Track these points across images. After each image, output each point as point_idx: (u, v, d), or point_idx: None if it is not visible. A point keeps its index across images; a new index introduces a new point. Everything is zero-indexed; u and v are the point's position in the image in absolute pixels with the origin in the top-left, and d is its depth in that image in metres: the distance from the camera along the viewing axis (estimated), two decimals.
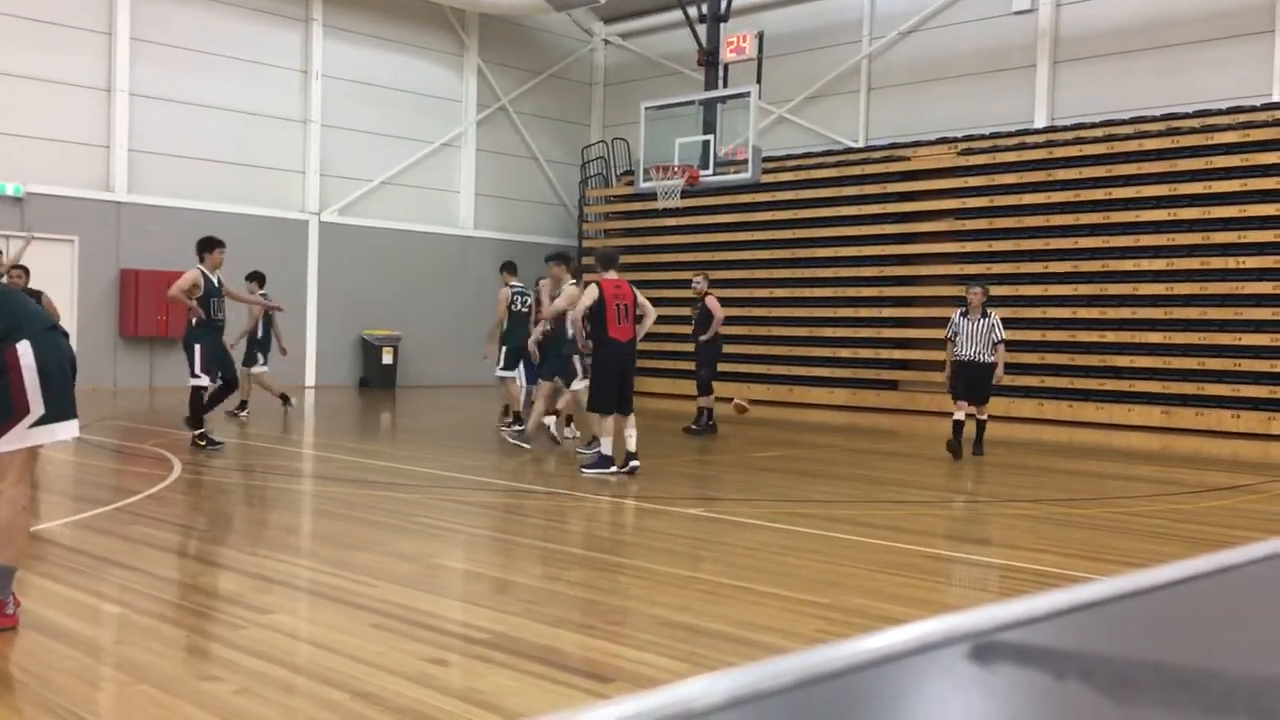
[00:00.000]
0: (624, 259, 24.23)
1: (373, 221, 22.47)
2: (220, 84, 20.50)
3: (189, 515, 7.84)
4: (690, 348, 15.84)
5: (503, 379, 13.15)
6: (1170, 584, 0.73)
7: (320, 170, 21.97)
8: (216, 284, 11.31)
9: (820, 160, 21.70)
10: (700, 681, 0.51)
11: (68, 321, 18.91)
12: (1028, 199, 18.43)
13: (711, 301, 14.60)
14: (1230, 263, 16.36)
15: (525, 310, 12.99)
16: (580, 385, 11.18)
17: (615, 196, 24.69)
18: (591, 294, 9.73)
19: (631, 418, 9.89)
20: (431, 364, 23.22)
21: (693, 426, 14.49)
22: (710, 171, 16.60)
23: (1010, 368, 18.32)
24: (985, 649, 0.58)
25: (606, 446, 9.76)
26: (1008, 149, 19.00)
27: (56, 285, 19.28)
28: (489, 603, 5.52)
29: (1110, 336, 17.39)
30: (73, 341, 16.28)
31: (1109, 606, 0.68)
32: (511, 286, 13.14)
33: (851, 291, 20.39)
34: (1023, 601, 0.65)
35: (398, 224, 22.80)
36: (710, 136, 16.64)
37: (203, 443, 11.04)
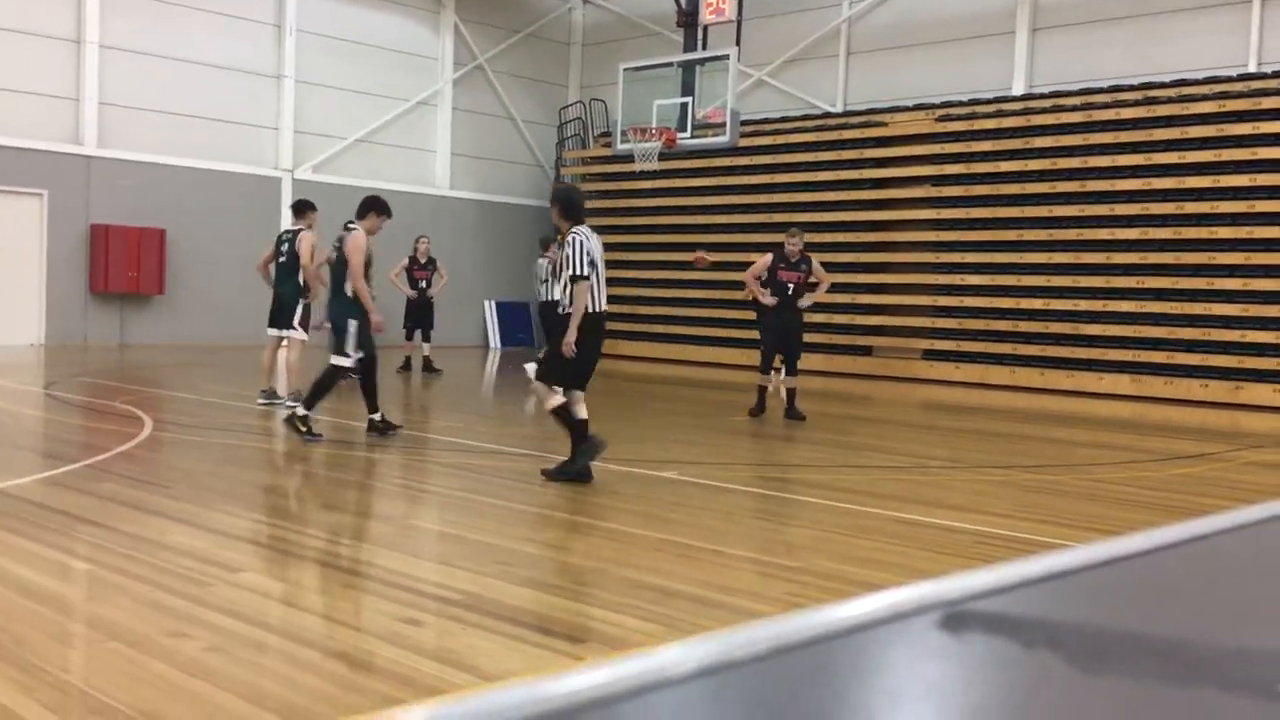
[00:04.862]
0: (601, 221, 24.30)
1: (347, 180, 22.25)
2: (193, 37, 20.20)
3: (160, 473, 7.80)
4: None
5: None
6: (1140, 553, 0.74)
7: (294, 127, 21.73)
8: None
9: (798, 125, 21.64)
10: (674, 649, 0.51)
11: (35, 277, 18.73)
12: (1004, 166, 18.46)
13: (817, 263, 12.32)
14: (1203, 233, 16.48)
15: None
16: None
17: (592, 158, 24.57)
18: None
19: None
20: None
21: (798, 410, 12.31)
22: (688, 134, 16.54)
23: (984, 335, 18.49)
24: (956, 618, 0.58)
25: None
26: (985, 116, 19.01)
27: (25, 240, 19.06)
28: (462, 563, 5.53)
29: (1083, 305, 17.50)
30: (42, 298, 15.78)
31: (1079, 575, 0.68)
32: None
33: (827, 257, 20.36)
34: (993, 570, 0.65)
35: (372, 183, 22.56)
36: (688, 99, 16.57)
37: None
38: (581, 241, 7.66)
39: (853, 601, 0.58)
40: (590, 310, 7.69)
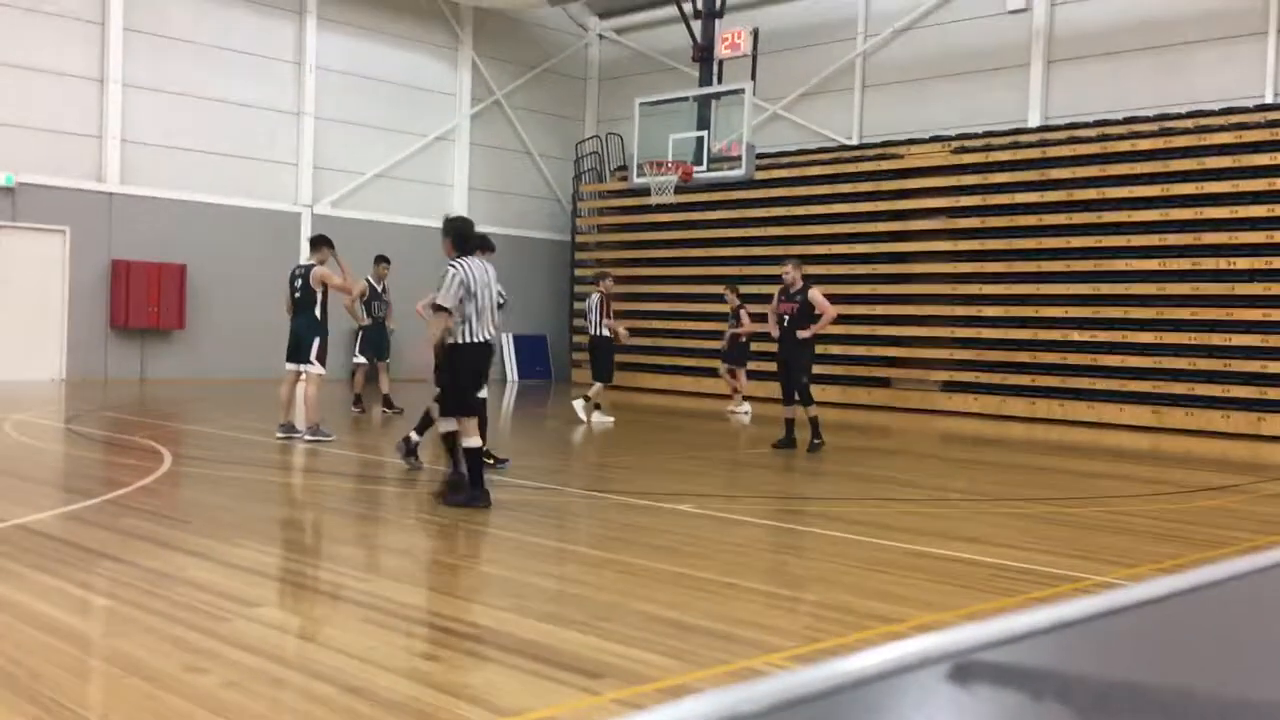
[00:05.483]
0: (618, 255, 24.37)
1: (366, 215, 22.41)
2: (213, 75, 20.44)
3: (179, 507, 7.83)
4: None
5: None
6: (1148, 601, 0.74)
7: (314, 163, 21.92)
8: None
9: (814, 157, 21.71)
10: (679, 706, 0.51)
11: (57, 313, 18.88)
12: (1021, 198, 18.45)
13: (817, 294, 12.11)
14: (1222, 264, 16.41)
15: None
16: None
17: (609, 192, 24.68)
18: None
19: None
20: (424, 357, 23.16)
21: (816, 441, 12.19)
22: (704, 167, 16.60)
23: (1003, 367, 18.43)
24: (963, 669, 0.59)
25: None
26: (1001, 148, 19.03)
27: (47, 276, 19.23)
28: (479, 597, 5.53)
29: (1102, 336, 17.43)
30: (63, 333, 16.04)
31: (1087, 625, 0.68)
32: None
33: (844, 289, 20.40)
34: (1000, 620, 0.66)
35: (391, 217, 22.75)
36: (704, 132, 16.63)
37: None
38: (454, 274, 7.86)
39: (859, 654, 0.58)
40: (468, 341, 7.96)
